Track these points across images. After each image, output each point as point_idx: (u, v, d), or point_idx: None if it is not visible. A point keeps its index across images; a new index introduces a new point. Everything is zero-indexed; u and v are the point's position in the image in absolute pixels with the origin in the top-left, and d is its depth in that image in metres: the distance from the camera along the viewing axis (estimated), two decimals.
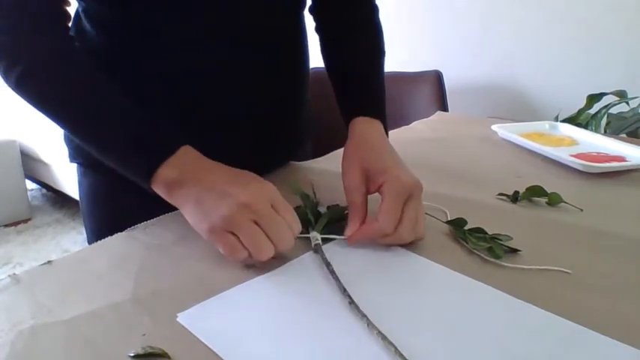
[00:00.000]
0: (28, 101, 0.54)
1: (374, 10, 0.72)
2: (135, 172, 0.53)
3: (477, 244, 0.51)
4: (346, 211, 0.56)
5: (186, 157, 0.52)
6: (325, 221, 0.54)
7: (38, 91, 0.54)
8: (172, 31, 0.60)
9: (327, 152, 0.82)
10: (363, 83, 0.67)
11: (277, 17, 0.66)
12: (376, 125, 0.62)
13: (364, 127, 0.62)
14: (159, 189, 0.51)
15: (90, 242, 0.72)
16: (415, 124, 1.03)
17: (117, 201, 0.68)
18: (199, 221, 0.49)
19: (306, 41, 0.73)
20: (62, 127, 0.56)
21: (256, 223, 0.46)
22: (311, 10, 0.73)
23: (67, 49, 0.56)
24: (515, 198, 0.64)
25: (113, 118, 0.53)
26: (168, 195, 0.51)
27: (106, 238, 0.53)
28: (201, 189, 0.49)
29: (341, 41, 0.71)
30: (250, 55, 0.64)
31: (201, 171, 0.51)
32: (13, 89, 0.54)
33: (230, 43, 0.62)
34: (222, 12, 0.60)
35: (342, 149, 0.61)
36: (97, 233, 0.71)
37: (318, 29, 0.73)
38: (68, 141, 0.71)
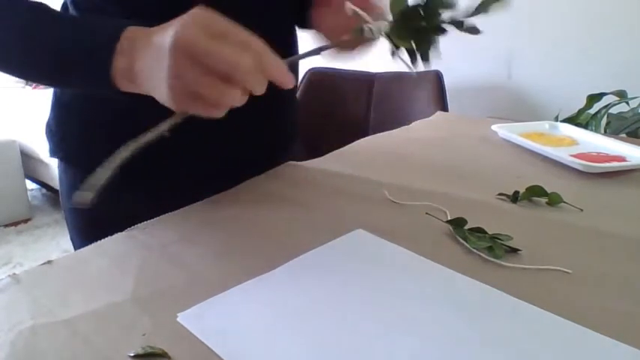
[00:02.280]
0: None
1: None
2: (96, 82, 0.48)
3: (477, 244, 0.51)
4: None
5: (132, 38, 0.45)
6: None
7: None
8: None
9: (320, 154, 0.81)
10: None
11: (274, 20, 0.67)
12: None
13: None
14: (124, 86, 0.46)
15: (72, 238, 0.72)
16: (415, 124, 1.03)
17: (97, 197, 0.67)
18: (162, 92, 0.42)
19: (298, 46, 0.74)
20: (14, 71, 0.51)
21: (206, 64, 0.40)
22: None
23: None
24: (515, 198, 0.64)
25: (52, 33, 0.48)
26: (135, 86, 0.46)
27: (106, 238, 0.53)
28: (147, 61, 0.43)
29: None
30: None
31: (145, 43, 0.44)
32: None
33: None
34: (222, 12, 0.60)
35: (341, 150, 0.61)
36: (77, 230, 0.70)
37: (302, 22, 0.72)
38: (50, 135, 0.69)
